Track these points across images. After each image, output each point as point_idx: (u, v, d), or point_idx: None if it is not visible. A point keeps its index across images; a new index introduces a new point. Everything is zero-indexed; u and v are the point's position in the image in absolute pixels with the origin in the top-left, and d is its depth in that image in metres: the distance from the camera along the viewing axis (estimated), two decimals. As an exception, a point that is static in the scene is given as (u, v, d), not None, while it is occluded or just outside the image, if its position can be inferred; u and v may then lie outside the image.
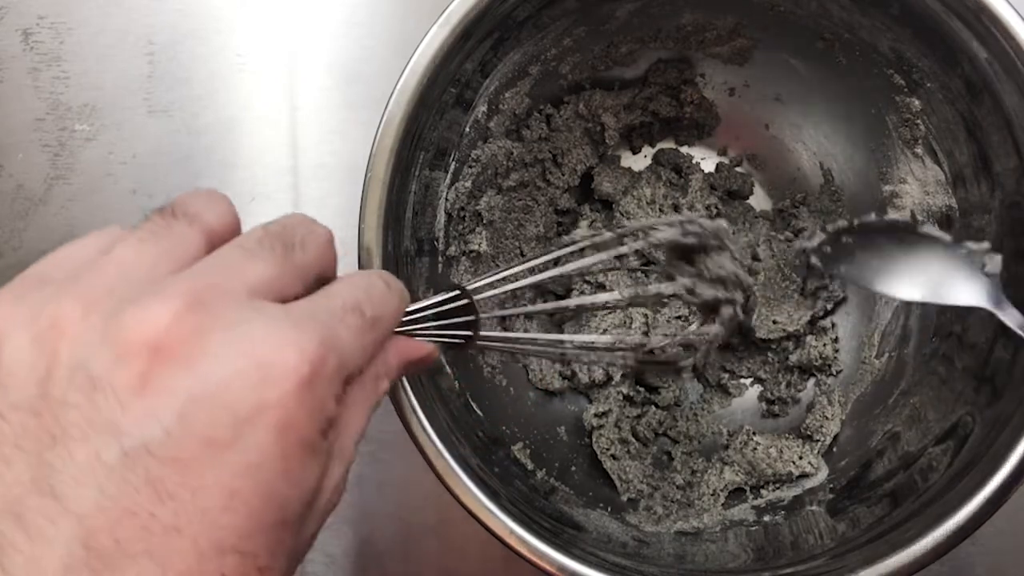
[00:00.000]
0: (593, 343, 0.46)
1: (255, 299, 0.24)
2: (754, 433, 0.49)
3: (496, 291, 0.34)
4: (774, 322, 0.51)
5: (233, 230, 0.27)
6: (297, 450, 0.23)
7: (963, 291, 0.38)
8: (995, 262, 0.38)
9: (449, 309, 0.32)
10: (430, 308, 0.32)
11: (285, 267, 0.26)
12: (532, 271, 0.37)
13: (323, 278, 0.28)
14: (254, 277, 0.25)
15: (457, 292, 0.33)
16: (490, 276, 0.34)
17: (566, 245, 0.38)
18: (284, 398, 0.22)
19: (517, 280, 0.36)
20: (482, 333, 0.33)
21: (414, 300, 0.31)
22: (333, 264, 0.28)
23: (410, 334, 0.31)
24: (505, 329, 0.48)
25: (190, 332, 0.22)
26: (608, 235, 0.37)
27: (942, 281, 0.39)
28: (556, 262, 0.37)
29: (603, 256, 0.37)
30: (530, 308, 0.47)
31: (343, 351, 0.25)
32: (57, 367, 0.22)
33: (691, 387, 0.54)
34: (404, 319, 0.31)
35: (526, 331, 0.52)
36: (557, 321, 0.53)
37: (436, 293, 0.33)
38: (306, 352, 0.23)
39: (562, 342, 0.48)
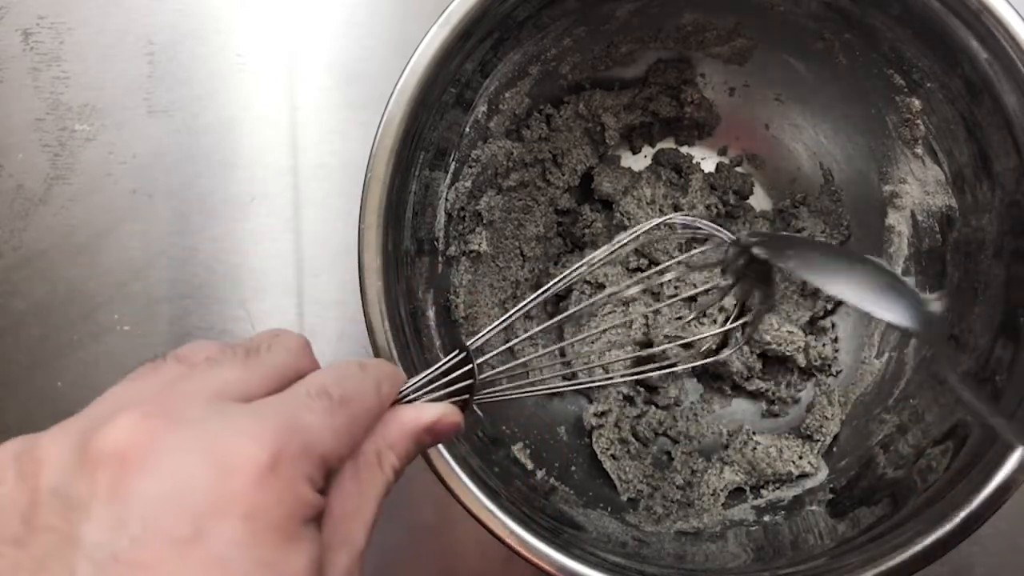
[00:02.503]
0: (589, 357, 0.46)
1: (216, 400, 0.25)
2: (754, 433, 0.49)
3: (503, 350, 0.33)
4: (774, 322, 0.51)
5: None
6: (270, 536, 0.23)
7: (895, 310, 0.34)
8: (939, 304, 0.38)
9: (453, 371, 0.32)
10: (431, 376, 0.31)
11: (249, 369, 0.26)
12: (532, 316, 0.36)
13: (301, 377, 0.28)
14: (218, 381, 0.25)
15: (460, 355, 0.32)
16: (489, 331, 0.34)
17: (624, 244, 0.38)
18: (246, 487, 0.23)
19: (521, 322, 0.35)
20: (477, 396, 0.32)
21: (414, 302, 0.31)
22: (309, 366, 0.29)
23: (409, 401, 0.30)
24: (512, 349, 0.48)
25: (148, 435, 0.23)
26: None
27: (878, 293, 0.35)
28: (555, 264, 0.37)
29: (602, 254, 0.37)
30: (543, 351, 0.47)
31: (308, 433, 0.25)
32: (40, 496, 0.23)
33: (691, 387, 0.54)
34: (412, 389, 0.30)
35: (526, 331, 0.52)
36: (558, 324, 0.53)
37: (446, 354, 0.32)
38: (263, 439, 0.23)
39: (559, 363, 0.48)
